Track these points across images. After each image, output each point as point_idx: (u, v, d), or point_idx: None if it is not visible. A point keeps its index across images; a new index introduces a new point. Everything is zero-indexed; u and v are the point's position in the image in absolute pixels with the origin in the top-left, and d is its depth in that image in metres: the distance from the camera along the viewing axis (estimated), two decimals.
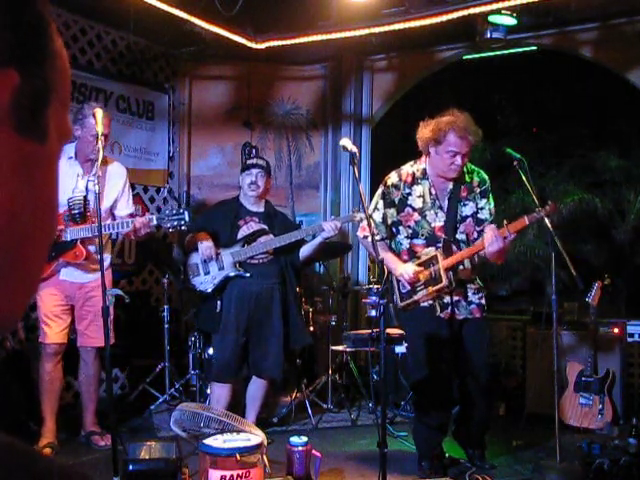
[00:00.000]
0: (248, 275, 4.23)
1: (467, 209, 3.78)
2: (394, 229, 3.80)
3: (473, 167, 3.87)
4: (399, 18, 4.96)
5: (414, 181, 3.75)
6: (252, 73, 6.38)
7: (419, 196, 3.73)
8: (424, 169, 3.75)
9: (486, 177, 3.85)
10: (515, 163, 3.76)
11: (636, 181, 10.20)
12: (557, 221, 9.27)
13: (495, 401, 4.84)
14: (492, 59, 6.36)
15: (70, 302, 3.98)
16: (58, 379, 4.01)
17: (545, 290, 3.82)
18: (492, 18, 5.10)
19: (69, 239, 3.83)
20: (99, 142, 3.34)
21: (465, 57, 6.29)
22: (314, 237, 4.40)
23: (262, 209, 4.40)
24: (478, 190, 3.80)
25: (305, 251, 4.37)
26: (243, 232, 4.31)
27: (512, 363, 5.42)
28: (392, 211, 3.76)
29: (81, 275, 3.96)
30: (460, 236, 3.76)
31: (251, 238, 4.31)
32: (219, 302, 4.23)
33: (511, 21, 5.10)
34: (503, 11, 4.94)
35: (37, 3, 0.44)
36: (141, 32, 5.49)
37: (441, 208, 3.74)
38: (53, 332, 3.92)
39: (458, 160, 3.60)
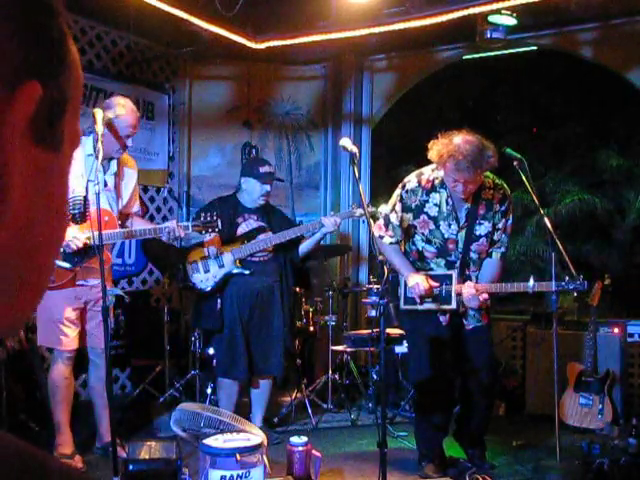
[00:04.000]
0: (249, 272, 4.22)
1: (482, 228, 3.65)
2: (411, 231, 3.73)
3: (497, 181, 3.69)
4: (399, 18, 4.95)
5: (432, 188, 3.63)
6: (252, 73, 6.38)
7: (435, 204, 3.62)
8: (443, 178, 3.60)
9: (508, 193, 3.71)
10: (515, 163, 3.74)
11: (636, 181, 10.21)
12: (557, 221, 9.29)
13: (495, 401, 4.84)
14: (492, 59, 6.36)
15: (82, 305, 3.84)
16: (72, 385, 3.90)
17: (543, 290, 3.83)
18: (492, 18, 5.09)
19: (98, 244, 3.51)
20: (99, 142, 3.34)
21: (465, 57, 6.29)
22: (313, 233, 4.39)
23: (259, 206, 4.40)
24: (498, 208, 3.65)
25: (305, 247, 4.38)
26: (242, 229, 4.29)
27: (512, 363, 5.42)
28: (409, 216, 3.68)
29: (94, 276, 3.77)
30: (473, 255, 3.68)
31: (251, 235, 4.29)
32: (219, 300, 4.23)
33: (511, 21, 5.10)
34: (503, 11, 4.94)
35: (58, 17, 0.46)
36: (141, 32, 5.49)
37: (457, 220, 3.62)
38: (70, 338, 3.76)
39: (459, 187, 3.47)
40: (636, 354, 5.15)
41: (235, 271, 4.22)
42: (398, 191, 3.72)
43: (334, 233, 4.48)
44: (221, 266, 4.22)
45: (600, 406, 4.57)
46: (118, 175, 3.88)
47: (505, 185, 3.73)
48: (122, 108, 3.69)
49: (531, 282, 3.50)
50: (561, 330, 4.76)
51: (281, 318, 4.29)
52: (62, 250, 3.63)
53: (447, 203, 3.62)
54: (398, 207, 3.69)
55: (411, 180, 3.69)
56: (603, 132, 10.63)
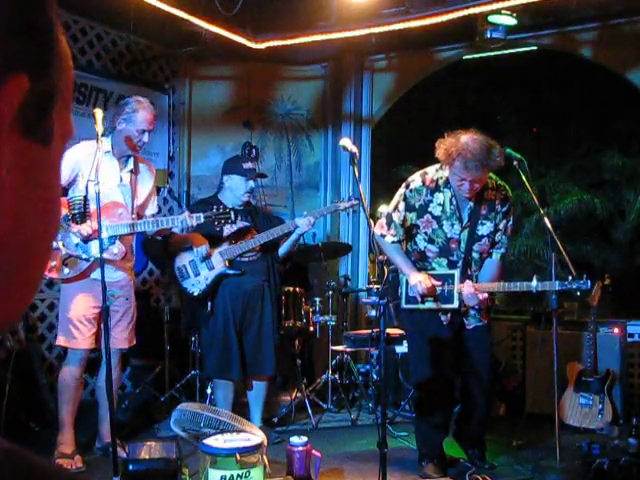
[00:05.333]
0: (240, 272, 4.20)
1: (484, 229, 3.67)
2: (414, 230, 3.74)
3: (500, 182, 3.72)
4: (399, 18, 4.95)
5: (437, 188, 3.64)
6: (252, 73, 6.38)
7: (439, 204, 3.63)
8: (447, 178, 3.61)
9: (510, 195, 3.74)
10: (515, 163, 3.74)
11: (636, 181, 10.21)
12: (557, 221, 9.29)
13: (495, 401, 4.84)
14: (492, 59, 6.36)
15: (100, 304, 3.73)
16: (82, 386, 3.90)
17: (545, 290, 3.82)
18: (492, 18, 5.10)
19: (108, 236, 3.63)
20: (99, 142, 3.35)
21: (465, 57, 6.29)
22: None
23: (243, 206, 4.36)
24: (499, 209, 3.68)
25: (283, 248, 4.38)
26: (228, 230, 4.23)
27: (512, 363, 5.42)
28: (412, 215, 3.68)
29: (110, 273, 3.74)
30: (475, 255, 3.69)
31: (237, 235, 4.27)
32: (209, 303, 4.21)
33: (511, 21, 5.11)
34: (503, 11, 4.94)
35: (47, 8, 0.45)
36: (141, 32, 5.49)
37: (460, 220, 3.63)
38: (84, 337, 3.74)
39: (465, 186, 3.48)
40: (636, 354, 5.15)
41: (230, 272, 4.20)
42: (402, 190, 3.72)
43: (309, 232, 4.47)
44: (211, 268, 4.19)
45: (600, 406, 4.56)
46: (134, 173, 3.91)
47: (507, 187, 3.75)
48: (138, 104, 3.78)
49: (534, 282, 3.50)
50: (561, 330, 4.76)
51: (272, 317, 4.30)
52: (79, 240, 3.67)
53: (451, 203, 3.63)
54: (401, 206, 3.69)
55: (415, 179, 3.69)
56: (603, 132, 10.62)
